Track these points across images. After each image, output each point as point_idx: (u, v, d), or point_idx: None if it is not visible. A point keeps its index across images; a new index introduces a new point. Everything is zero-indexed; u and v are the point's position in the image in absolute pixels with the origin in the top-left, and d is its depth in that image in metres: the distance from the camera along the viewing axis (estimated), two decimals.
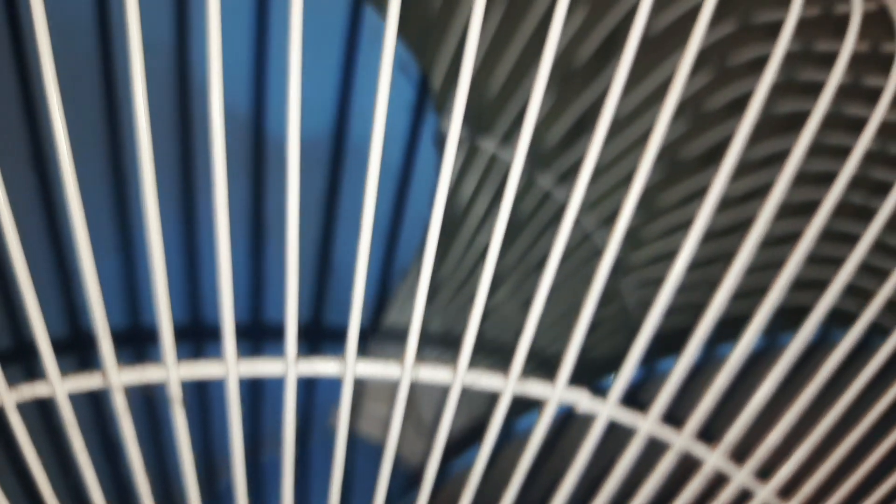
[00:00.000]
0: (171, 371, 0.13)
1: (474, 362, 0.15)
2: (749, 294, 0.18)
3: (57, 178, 0.12)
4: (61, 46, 0.12)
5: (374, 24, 0.18)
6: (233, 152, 0.12)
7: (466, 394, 0.16)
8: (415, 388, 0.15)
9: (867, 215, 0.17)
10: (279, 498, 0.15)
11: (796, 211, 0.21)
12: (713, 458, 0.16)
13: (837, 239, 0.20)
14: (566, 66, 0.28)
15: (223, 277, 0.13)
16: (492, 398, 0.15)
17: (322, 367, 0.14)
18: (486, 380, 0.14)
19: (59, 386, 0.13)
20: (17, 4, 0.16)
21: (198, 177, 0.18)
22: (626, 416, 0.15)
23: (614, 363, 0.16)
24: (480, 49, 0.27)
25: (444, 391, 0.15)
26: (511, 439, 0.18)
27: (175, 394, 0.13)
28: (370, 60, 0.16)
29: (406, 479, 0.19)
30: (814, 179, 0.20)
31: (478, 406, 0.19)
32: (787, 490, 0.17)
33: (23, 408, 0.13)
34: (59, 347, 0.13)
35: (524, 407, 0.17)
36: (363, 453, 0.19)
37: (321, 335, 0.19)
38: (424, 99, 0.20)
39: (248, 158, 0.19)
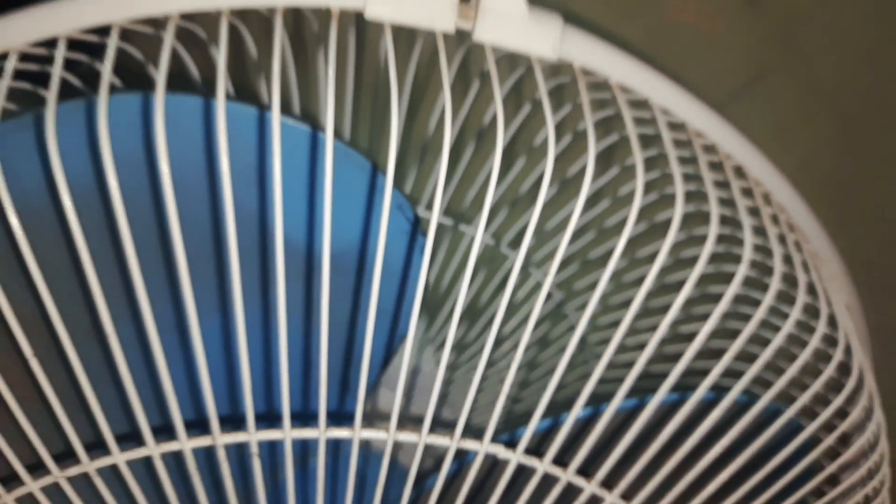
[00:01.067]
0: (252, 436, 0.23)
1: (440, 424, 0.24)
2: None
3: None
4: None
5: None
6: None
7: (431, 449, 0.25)
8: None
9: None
10: None
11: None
12: (589, 487, 0.25)
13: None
14: None
15: (283, 381, 0.22)
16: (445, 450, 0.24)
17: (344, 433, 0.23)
18: (440, 440, 0.24)
19: (186, 444, 0.22)
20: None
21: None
22: (528, 461, 0.24)
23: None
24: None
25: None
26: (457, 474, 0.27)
27: (253, 450, 0.22)
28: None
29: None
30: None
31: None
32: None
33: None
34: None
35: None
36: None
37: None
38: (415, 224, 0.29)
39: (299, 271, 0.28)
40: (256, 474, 0.23)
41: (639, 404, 0.27)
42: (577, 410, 0.25)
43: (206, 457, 0.23)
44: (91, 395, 0.22)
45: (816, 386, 0.27)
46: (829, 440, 0.29)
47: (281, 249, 0.21)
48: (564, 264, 0.37)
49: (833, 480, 0.30)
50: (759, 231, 0.26)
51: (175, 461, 0.23)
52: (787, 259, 0.27)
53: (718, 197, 0.24)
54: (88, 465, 0.23)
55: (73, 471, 0.23)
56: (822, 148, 0.45)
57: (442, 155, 0.21)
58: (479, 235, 0.22)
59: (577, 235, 0.36)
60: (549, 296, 0.39)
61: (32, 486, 0.23)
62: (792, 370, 0.27)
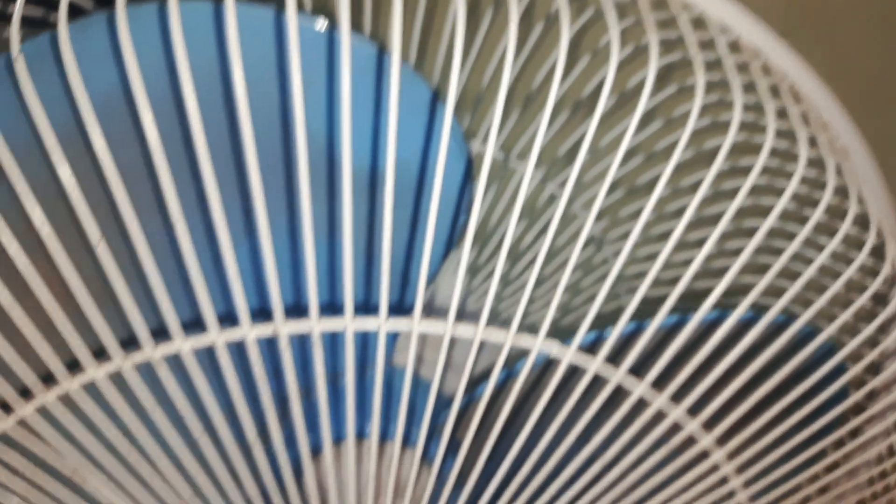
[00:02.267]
0: (314, 325, 0.23)
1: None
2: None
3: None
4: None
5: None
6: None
7: (486, 346, 0.25)
8: (454, 342, 0.24)
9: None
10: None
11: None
12: (641, 387, 0.26)
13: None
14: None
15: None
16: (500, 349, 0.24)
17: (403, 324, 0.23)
18: (496, 335, 0.24)
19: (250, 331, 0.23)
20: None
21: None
22: (581, 359, 0.25)
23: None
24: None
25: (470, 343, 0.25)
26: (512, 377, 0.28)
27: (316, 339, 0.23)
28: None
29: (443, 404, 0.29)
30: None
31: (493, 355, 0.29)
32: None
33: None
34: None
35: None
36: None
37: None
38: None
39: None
40: (317, 362, 0.23)
41: (681, 320, 0.27)
42: (626, 319, 0.25)
43: (269, 347, 0.24)
44: (158, 282, 0.22)
45: (863, 300, 0.28)
46: (871, 356, 0.29)
47: (349, 156, 0.21)
48: (611, 189, 0.37)
49: (869, 396, 0.30)
50: (815, 162, 0.26)
51: (237, 351, 0.23)
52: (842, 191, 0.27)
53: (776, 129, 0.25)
54: (152, 352, 0.23)
55: (137, 357, 0.23)
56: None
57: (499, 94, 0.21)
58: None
59: (626, 158, 0.36)
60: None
61: (96, 372, 0.24)
62: (837, 286, 0.28)
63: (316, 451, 0.27)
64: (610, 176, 0.24)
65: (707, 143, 0.34)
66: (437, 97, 0.26)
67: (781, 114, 0.26)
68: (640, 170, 0.37)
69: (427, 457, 0.28)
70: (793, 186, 0.23)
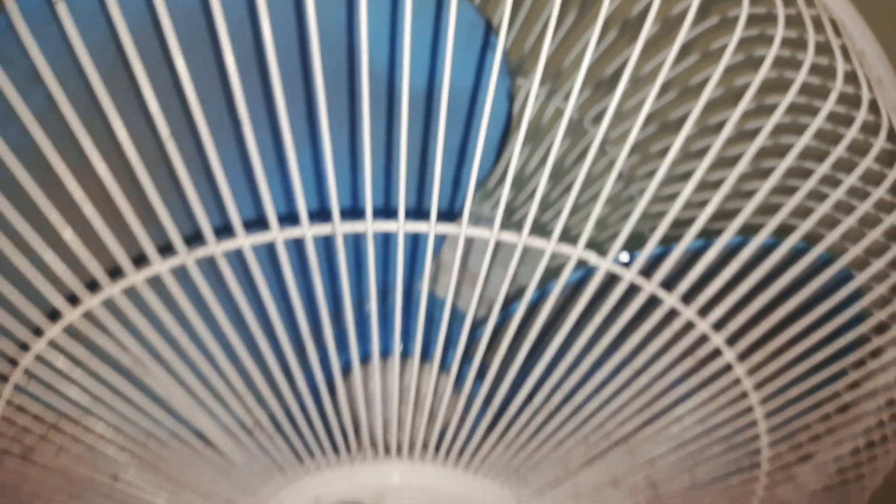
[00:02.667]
0: (368, 226, 0.24)
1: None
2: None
3: None
4: None
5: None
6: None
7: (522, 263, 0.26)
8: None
9: None
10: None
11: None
12: (670, 300, 0.27)
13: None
14: None
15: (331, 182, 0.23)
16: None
17: (452, 228, 0.25)
18: (538, 241, 0.25)
19: (305, 231, 0.24)
20: None
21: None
22: (617, 269, 0.26)
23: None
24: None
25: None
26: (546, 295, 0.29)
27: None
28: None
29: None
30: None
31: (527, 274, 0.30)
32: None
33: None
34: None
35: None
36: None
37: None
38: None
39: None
40: (370, 263, 0.25)
41: (707, 243, 0.28)
42: (661, 233, 0.26)
43: (326, 249, 0.25)
44: (223, 179, 0.24)
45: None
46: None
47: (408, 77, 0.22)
48: (645, 123, 0.38)
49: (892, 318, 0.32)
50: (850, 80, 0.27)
51: (296, 248, 0.25)
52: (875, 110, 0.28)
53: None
54: (215, 248, 0.25)
55: (200, 252, 0.25)
56: None
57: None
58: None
59: (661, 92, 0.37)
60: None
61: (161, 266, 0.25)
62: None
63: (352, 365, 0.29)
64: (644, 111, 0.25)
65: (738, 80, 0.35)
66: (489, 26, 0.28)
67: (822, 47, 0.27)
68: (672, 105, 0.38)
69: (461, 376, 0.30)
70: (830, 103, 0.24)
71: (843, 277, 0.31)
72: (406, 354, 0.29)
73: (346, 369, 0.29)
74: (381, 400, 0.29)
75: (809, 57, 0.25)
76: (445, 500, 0.31)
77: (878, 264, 0.29)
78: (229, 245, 0.25)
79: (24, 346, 0.27)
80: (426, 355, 0.29)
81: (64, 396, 0.28)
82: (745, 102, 0.25)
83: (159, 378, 0.28)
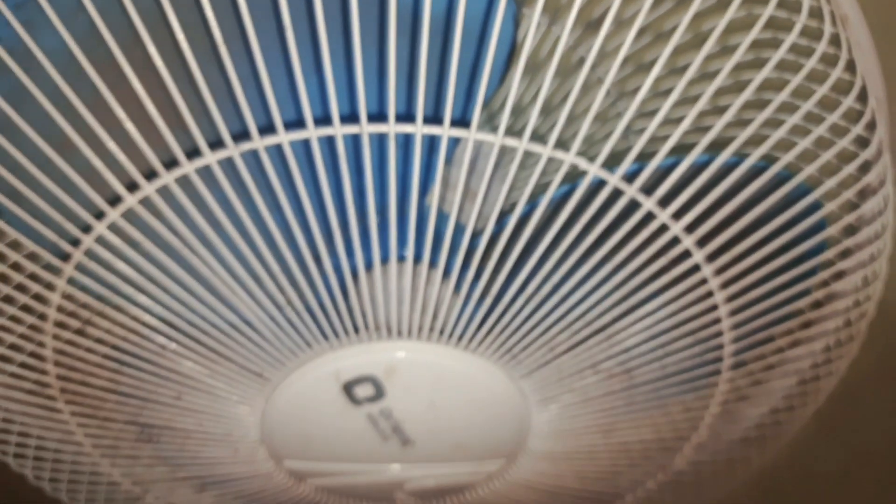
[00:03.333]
0: (391, 128, 0.28)
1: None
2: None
3: None
4: None
5: None
6: None
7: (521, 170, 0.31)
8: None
9: None
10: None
11: None
12: (648, 203, 0.32)
13: None
14: None
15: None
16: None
17: (461, 133, 0.29)
18: (537, 147, 0.30)
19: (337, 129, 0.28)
20: None
21: None
22: (602, 173, 0.30)
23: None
24: None
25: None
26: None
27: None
28: None
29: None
30: None
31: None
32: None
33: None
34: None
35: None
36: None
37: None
38: None
39: None
40: (391, 162, 0.29)
41: (678, 160, 0.33)
42: (640, 146, 0.31)
43: (354, 146, 0.29)
44: (267, 81, 0.27)
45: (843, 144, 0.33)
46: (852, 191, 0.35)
47: None
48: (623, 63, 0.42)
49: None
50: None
51: (329, 147, 0.29)
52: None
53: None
54: (259, 143, 0.29)
55: (246, 146, 0.29)
56: None
57: None
58: None
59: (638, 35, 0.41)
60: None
61: (210, 158, 0.29)
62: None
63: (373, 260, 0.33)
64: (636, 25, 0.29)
65: (706, 24, 0.38)
66: None
67: None
68: (647, 48, 0.41)
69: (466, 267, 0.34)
70: (794, 34, 0.28)
71: (801, 193, 0.35)
72: (418, 259, 0.34)
73: (369, 264, 0.33)
74: (395, 291, 0.34)
75: None
76: (446, 375, 0.36)
77: (830, 182, 0.34)
78: (271, 140, 0.29)
79: (87, 229, 0.32)
80: (434, 260, 0.34)
81: (120, 275, 0.33)
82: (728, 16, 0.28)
83: (204, 258, 0.32)
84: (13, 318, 0.36)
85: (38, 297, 0.35)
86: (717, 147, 0.32)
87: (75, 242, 0.32)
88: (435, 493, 0.43)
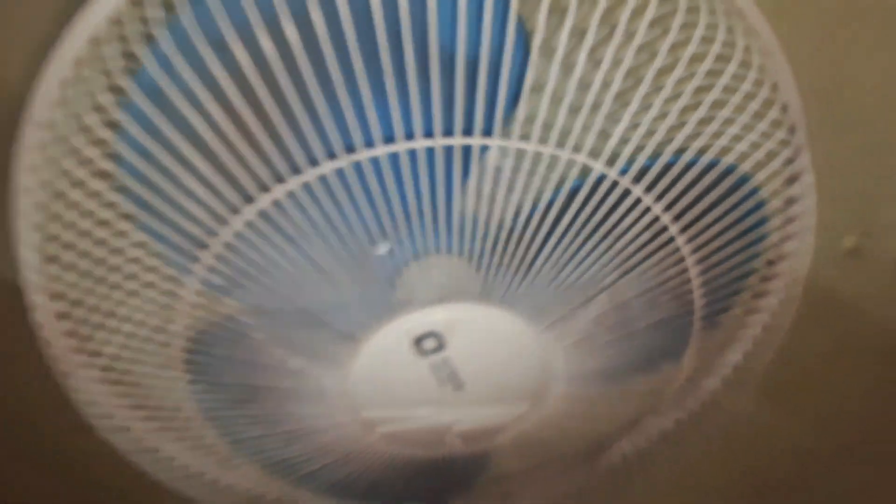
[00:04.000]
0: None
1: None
2: None
3: None
4: None
5: None
6: None
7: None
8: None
9: None
10: None
11: None
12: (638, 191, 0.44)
13: None
14: None
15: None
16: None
17: (493, 141, 0.41)
18: (550, 150, 0.42)
19: None
20: None
21: None
22: (612, 174, 0.43)
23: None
24: None
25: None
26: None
27: None
28: None
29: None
30: None
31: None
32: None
33: None
34: None
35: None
36: None
37: None
38: None
39: None
40: (438, 168, 0.41)
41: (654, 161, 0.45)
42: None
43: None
44: (363, 106, 0.39)
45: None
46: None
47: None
48: None
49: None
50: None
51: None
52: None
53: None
54: (363, 154, 0.40)
55: (354, 157, 0.41)
56: None
57: None
58: None
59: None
60: None
61: (327, 167, 0.41)
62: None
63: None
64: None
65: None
66: None
67: None
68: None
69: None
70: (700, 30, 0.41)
71: (743, 181, 0.48)
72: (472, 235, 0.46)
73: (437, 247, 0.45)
74: (457, 266, 0.45)
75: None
76: (492, 329, 0.47)
77: (763, 173, 0.46)
78: (372, 153, 0.40)
79: (223, 221, 0.43)
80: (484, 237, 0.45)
81: (250, 261, 0.44)
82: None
83: (316, 246, 0.43)
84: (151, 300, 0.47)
85: (174, 280, 0.45)
86: (683, 150, 0.45)
87: (212, 234, 0.43)
88: (476, 435, 0.54)
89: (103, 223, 0.44)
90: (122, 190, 0.43)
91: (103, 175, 0.43)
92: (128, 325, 0.48)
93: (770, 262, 0.53)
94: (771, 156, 0.48)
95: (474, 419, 0.52)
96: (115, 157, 0.42)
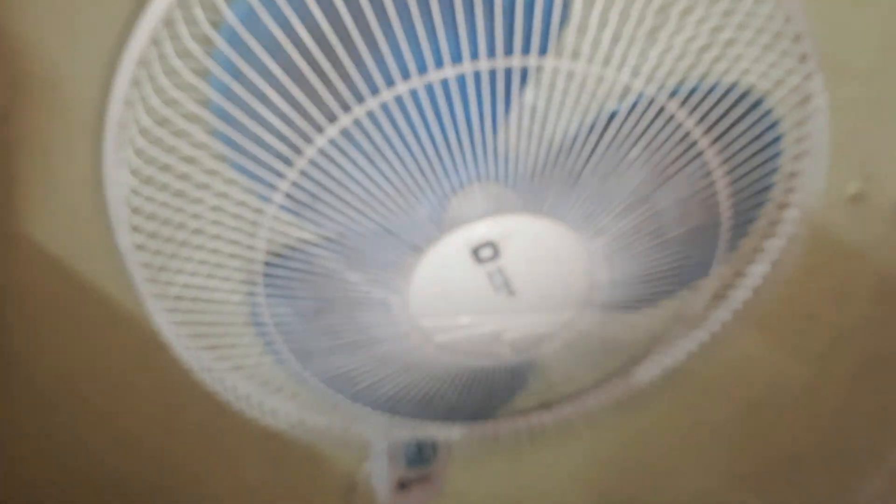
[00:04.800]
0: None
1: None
2: None
3: None
4: None
5: None
6: None
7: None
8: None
9: None
10: None
11: None
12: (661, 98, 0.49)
13: None
14: None
15: None
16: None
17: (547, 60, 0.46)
18: (598, 69, 0.47)
19: None
20: None
21: None
22: (650, 90, 0.48)
23: None
24: None
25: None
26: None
27: None
28: None
29: None
30: None
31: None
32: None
33: None
34: None
35: None
36: None
37: None
38: None
39: None
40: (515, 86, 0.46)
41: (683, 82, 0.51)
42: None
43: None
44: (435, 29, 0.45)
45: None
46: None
47: None
48: None
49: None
50: None
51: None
52: None
53: None
54: (436, 74, 0.46)
55: (430, 77, 0.46)
56: None
57: None
58: None
59: None
60: None
61: (402, 87, 0.46)
62: None
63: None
64: None
65: None
66: None
67: None
68: None
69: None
70: None
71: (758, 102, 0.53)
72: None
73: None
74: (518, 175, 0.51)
75: None
76: (543, 238, 0.53)
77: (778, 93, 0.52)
78: (442, 74, 0.46)
79: (308, 139, 0.48)
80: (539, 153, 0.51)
81: (330, 177, 0.49)
82: None
83: (390, 163, 0.49)
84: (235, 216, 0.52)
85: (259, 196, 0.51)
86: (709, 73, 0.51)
87: (297, 151, 0.49)
88: (524, 342, 0.60)
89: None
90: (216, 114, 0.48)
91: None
92: (214, 242, 0.53)
93: (788, 175, 0.58)
94: (785, 78, 0.53)
95: (524, 326, 0.58)
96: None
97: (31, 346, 0.75)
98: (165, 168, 0.51)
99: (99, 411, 0.81)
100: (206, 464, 0.87)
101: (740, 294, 0.66)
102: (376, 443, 0.77)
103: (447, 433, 0.74)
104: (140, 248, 0.54)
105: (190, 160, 0.50)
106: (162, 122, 0.48)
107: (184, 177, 0.51)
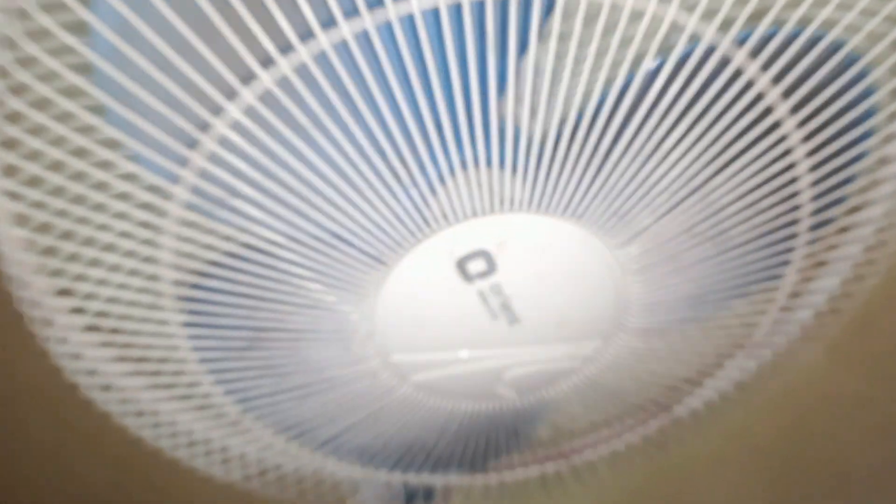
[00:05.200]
0: None
1: None
2: None
3: None
4: None
5: None
6: None
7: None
8: None
9: None
10: None
11: None
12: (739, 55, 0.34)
13: None
14: None
15: None
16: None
17: None
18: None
19: None
20: None
21: None
22: (709, 34, 0.33)
23: None
24: None
25: None
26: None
27: None
28: None
29: None
30: None
31: None
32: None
33: None
34: None
35: None
36: None
37: None
38: None
39: None
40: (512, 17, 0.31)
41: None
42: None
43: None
44: None
45: None
46: None
47: None
48: None
49: None
50: None
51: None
52: None
53: None
54: (392, 10, 0.31)
55: (378, 16, 0.31)
56: None
57: None
58: None
59: None
60: None
61: (345, 29, 0.31)
62: None
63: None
64: None
65: None
66: None
67: None
68: None
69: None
70: None
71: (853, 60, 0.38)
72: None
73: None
74: (507, 165, 0.36)
75: None
76: (552, 246, 0.38)
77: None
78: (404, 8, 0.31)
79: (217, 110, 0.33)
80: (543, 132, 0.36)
81: (251, 160, 0.35)
82: None
83: (332, 137, 0.34)
84: (136, 222, 0.37)
85: (158, 191, 0.36)
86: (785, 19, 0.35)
87: (204, 127, 0.34)
88: (533, 382, 0.45)
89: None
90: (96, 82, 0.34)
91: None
92: (110, 256, 0.39)
93: (880, 162, 0.43)
94: (886, 32, 0.38)
95: (531, 362, 0.43)
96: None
97: None
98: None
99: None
100: None
101: (808, 310, 0.51)
102: (360, 489, 0.62)
103: (442, 481, 0.60)
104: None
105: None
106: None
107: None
